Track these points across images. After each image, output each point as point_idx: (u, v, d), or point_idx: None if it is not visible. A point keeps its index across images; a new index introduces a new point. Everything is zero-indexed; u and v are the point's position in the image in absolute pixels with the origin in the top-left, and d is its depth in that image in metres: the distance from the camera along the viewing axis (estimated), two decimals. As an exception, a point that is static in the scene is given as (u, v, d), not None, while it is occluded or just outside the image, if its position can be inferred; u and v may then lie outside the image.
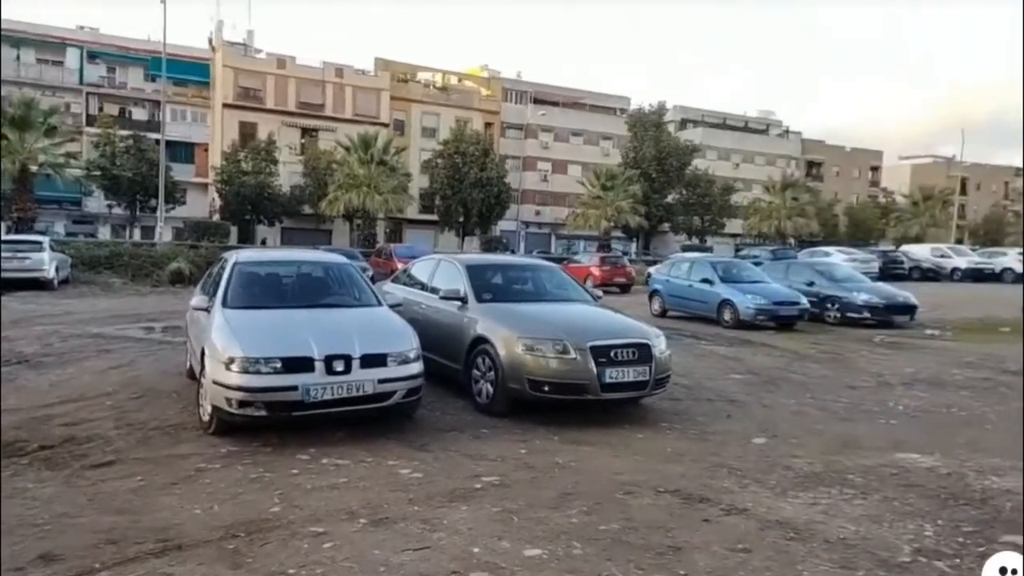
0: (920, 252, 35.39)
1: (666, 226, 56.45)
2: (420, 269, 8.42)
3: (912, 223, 57.54)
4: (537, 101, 60.79)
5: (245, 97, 47.02)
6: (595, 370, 5.99)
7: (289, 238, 45.78)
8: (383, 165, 38.80)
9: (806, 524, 4.04)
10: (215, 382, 5.27)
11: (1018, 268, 32.67)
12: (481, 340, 6.47)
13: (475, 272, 7.35)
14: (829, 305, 15.95)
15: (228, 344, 5.32)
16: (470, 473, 4.85)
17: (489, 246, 47.32)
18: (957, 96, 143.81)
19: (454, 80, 58.85)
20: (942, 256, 34.55)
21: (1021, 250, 34.12)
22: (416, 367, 5.64)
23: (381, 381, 5.40)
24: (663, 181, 52.06)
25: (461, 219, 48.38)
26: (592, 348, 6.03)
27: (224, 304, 6.00)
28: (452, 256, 8.25)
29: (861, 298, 15.55)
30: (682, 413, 6.87)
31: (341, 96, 49.48)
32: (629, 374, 6.15)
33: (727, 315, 14.86)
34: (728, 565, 3.49)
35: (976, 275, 33.04)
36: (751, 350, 11.63)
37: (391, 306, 6.67)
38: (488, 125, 57.63)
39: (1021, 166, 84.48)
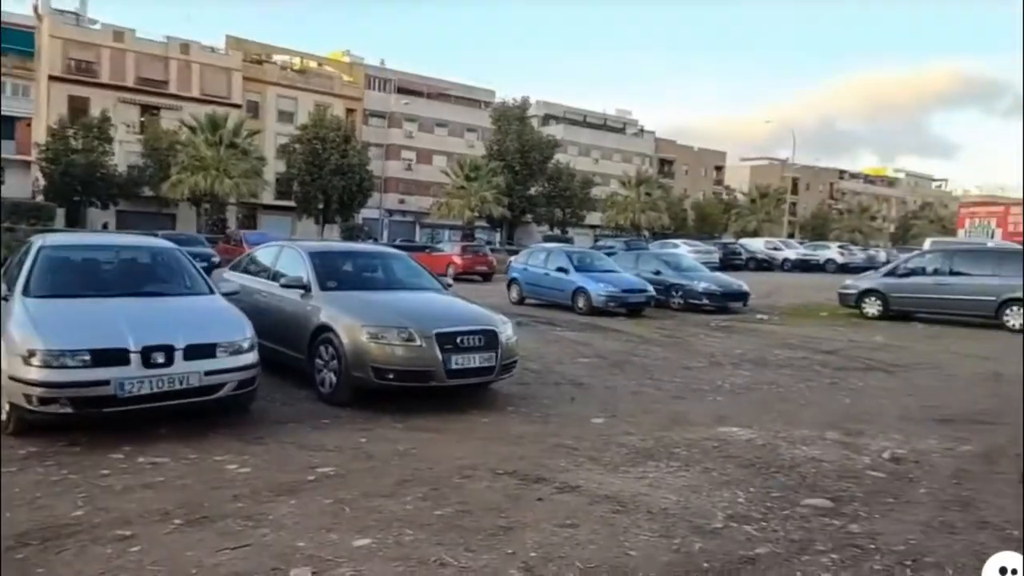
0: (755, 245, 38.51)
1: (529, 217, 57.67)
2: (263, 256, 8.00)
3: (750, 218, 62.45)
4: (401, 90, 59.93)
5: (76, 70, 42.77)
6: (440, 357, 5.95)
7: (127, 222, 42.22)
8: (234, 148, 36.69)
9: (632, 497, 4.22)
10: (12, 377, 4.71)
11: (839, 259, 36.37)
12: (324, 328, 6.24)
13: (319, 259, 7.08)
14: (674, 292, 16.92)
15: (27, 335, 4.77)
16: (304, 465, 4.65)
17: (350, 234, 46.21)
18: (792, 104, 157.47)
19: (314, 64, 56.64)
20: (774, 248, 37.78)
21: (839, 244, 38.05)
22: (250, 357, 5.34)
23: (208, 373, 5.06)
24: (526, 174, 53.05)
25: (321, 206, 46.85)
26: (438, 335, 5.99)
27: (25, 293, 5.38)
28: (296, 243, 7.91)
29: (701, 286, 16.63)
30: (529, 397, 6.99)
31: (187, 73, 46.24)
32: (475, 360, 6.16)
33: (581, 302, 15.37)
34: (555, 540, 3.57)
35: (803, 265, 36.42)
36: (601, 335, 12.08)
37: (227, 294, 6.28)
38: (350, 112, 56.08)
39: (840, 169, 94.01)
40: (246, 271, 7.98)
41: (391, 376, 5.92)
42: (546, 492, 4.24)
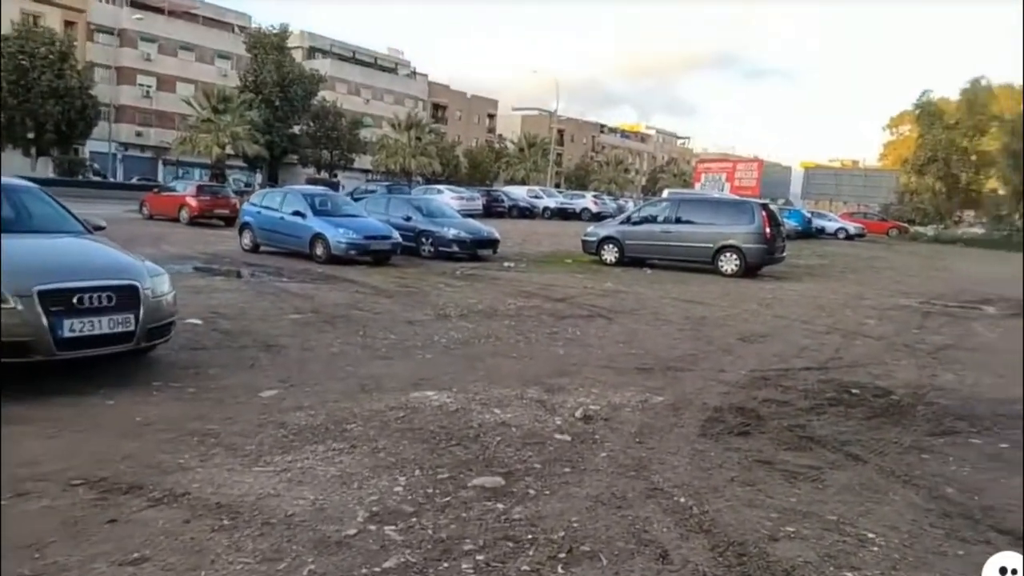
0: (518, 193, 39.42)
1: (294, 158, 53.87)
2: None
3: (519, 167, 64.31)
4: (136, 5, 52.02)
5: None
6: (46, 322, 4.52)
7: None
8: None
9: (256, 502, 3.32)
10: None
11: (593, 208, 38.43)
12: None
13: None
14: (423, 240, 16.26)
15: None
16: None
17: (67, 169, 39.57)
18: (563, 60, 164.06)
19: (19, -40, 46.83)
20: (535, 197, 38.98)
21: (593, 194, 40.20)
22: None
23: None
24: (287, 110, 49.25)
25: (31, 135, 39.51)
26: (41, 293, 4.53)
27: None
28: None
29: (451, 233, 16.13)
30: (198, 366, 5.77)
31: None
32: (103, 324, 4.80)
33: (319, 250, 14.09)
34: (101, 589, 2.55)
35: (562, 214, 38.01)
36: (330, 287, 11.00)
37: None
38: (69, 24, 47.69)
39: (601, 124, 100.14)
40: None
41: (-27, 350, 4.37)
42: (131, 508, 3.17)
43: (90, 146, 46.33)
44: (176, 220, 23.40)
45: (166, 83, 54.08)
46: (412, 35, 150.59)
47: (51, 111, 38.49)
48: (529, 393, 5.51)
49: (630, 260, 16.21)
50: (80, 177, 41.15)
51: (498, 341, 7.54)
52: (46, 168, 40.34)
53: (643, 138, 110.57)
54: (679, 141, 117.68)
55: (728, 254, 15.17)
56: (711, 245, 15.19)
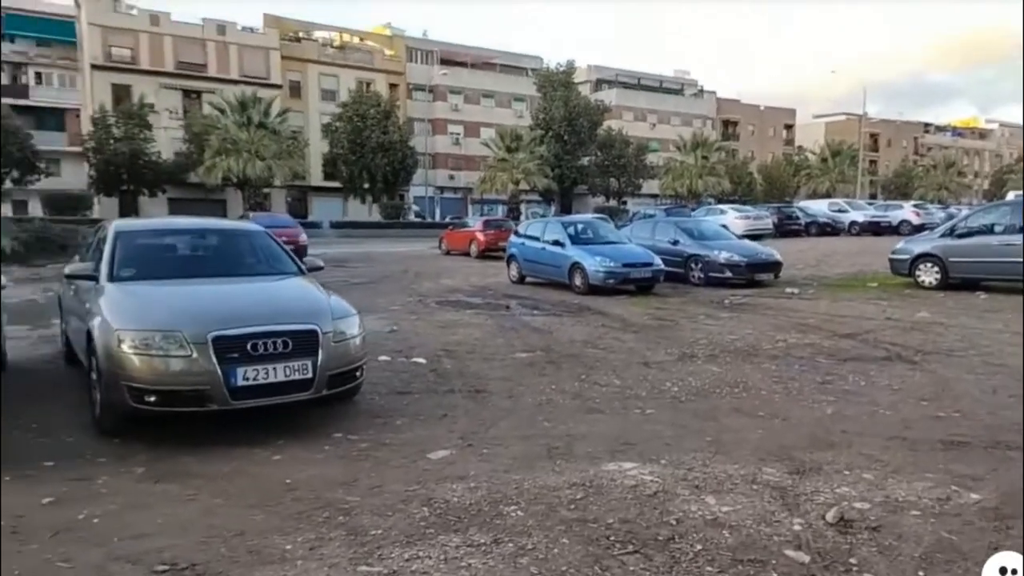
0: (817, 207, 35.06)
1: (584, 188, 55.32)
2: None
3: (822, 179, 58.15)
4: (444, 62, 58.30)
5: (116, 58, 43.10)
6: (219, 370, 4.39)
7: (179, 209, 42.45)
8: (264, 128, 36.03)
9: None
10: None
11: (914, 220, 32.71)
12: (90, 336, 4.78)
13: (124, 240, 5.59)
14: (692, 265, 14.81)
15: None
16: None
17: (389, 212, 45.06)
18: (870, 57, 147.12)
19: (355, 40, 55.65)
20: (839, 211, 34.31)
21: (915, 203, 34.18)
22: None
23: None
24: (575, 142, 50.75)
25: (366, 185, 46.02)
26: (216, 340, 4.41)
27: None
28: (116, 222, 6.37)
29: (723, 257, 14.42)
30: (389, 413, 5.36)
31: (225, 55, 46.03)
32: (278, 372, 4.57)
33: (578, 280, 13.52)
34: None
35: (875, 228, 32.88)
36: (576, 320, 10.28)
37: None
38: (393, 87, 55.00)
39: (925, 123, 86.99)
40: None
41: (152, 399, 4.39)
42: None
43: (413, 191, 52.77)
44: (467, 254, 24.64)
45: (471, 129, 59.46)
46: (701, 55, 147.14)
47: (379, 163, 44.45)
48: (766, 474, 4.07)
49: (958, 282, 12.92)
50: (401, 219, 46.76)
51: (746, 392, 6.03)
52: (374, 212, 46.61)
53: (982, 134, 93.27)
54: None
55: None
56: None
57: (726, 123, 71.51)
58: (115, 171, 37.88)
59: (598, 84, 65.14)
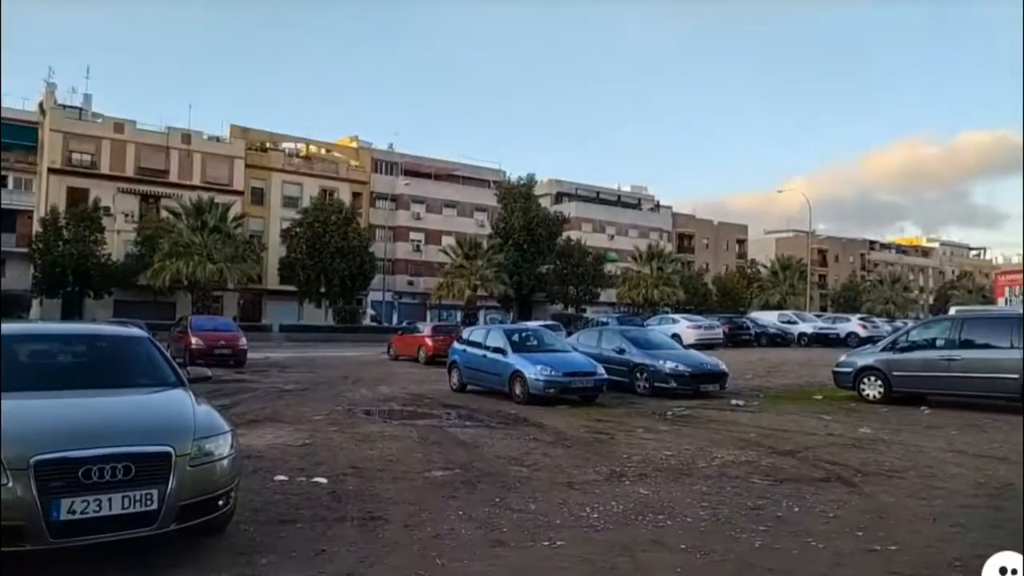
0: (767, 318, 35.57)
1: (543, 295, 55.63)
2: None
3: (773, 291, 59.54)
4: (409, 172, 59.69)
5: (76, 162, 43.04)
6: (38, 501, 3.73)
7: (125, 312, 41.19)
8: (218, 232, 35.75)
9: None
10: None
11: (861, 333, 33.25)
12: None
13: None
14: (639, 374, 14.47)
15: None
16: None
17: (343, 317, 44.38)
18: (825, 177, 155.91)
19: (322, 151, 56.82)
20: (788, 322, 34.80)
21: (861, 316, 34.88)
22: None
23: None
24: (534, 251, 51.46)
25: (323, 289, 45.54)
26: (39, 465, 3.78)
27: None
28: None
29: (668, 367, 14.12)
30: (257, 549, 4.63)
31: (188, 162, 46.35)
32: (113, 504, 3.90)
33: (518, 389, 13.00)
34: None
35: (823, 340, 33.30)
36: (507, 433, 9.69)
37: None
38: (356, 195, 55.76)
39: (871, 240, 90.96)
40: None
41: (-45, 535, 3.68)
42: None
43: (372, 296, 52.34)
44: (416, 360, 23.94)
45: (432, 237, 60.08)
46: (655, 171, 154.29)
47: (338, 268, 44.21)
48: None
49: (901, 395, 12.74)
50: (356, 323, 46.06)
51: (670, 520, 5.47)
52: (331, 316, 45.88)
53: (925, 252, 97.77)
54: (972, 252, 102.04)
55: (1047, 386, 11.07)
56: (1016, 376, 11.26)
57: (681, 236, 73.76)
58: (60, 272, 36.94)
59: (558, 197, 67.08)
